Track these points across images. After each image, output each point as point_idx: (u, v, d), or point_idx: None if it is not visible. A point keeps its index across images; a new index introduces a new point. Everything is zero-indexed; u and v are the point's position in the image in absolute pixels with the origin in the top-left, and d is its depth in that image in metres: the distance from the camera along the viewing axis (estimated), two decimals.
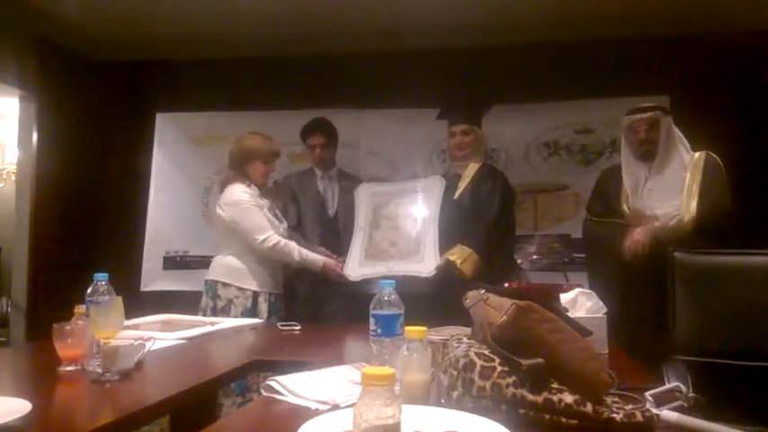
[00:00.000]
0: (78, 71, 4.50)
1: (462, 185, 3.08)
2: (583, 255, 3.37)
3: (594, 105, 3.90)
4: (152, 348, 1.73)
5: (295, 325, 2.47)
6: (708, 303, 1.98)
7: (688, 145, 2.73)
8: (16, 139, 4.30)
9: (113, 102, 4.66)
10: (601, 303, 1.83)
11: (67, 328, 1.58)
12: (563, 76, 4.06)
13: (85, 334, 1.57)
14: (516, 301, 1.10)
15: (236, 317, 2.80)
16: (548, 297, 1.58)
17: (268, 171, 3.07)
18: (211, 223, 3.77)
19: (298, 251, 2.98)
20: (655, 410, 1.09)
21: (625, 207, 2.76)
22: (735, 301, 1.96)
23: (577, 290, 1.86)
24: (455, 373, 1.13)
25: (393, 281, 1.48)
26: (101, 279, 1.71)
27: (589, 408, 1.01)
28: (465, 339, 1.27)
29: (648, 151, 2.71)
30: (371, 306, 1.44)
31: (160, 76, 4.61)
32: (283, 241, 2.95)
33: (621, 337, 1.93)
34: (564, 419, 1.02)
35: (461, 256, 2.88)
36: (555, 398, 1.02)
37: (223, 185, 3.03)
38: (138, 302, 2.77)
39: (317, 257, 3.06)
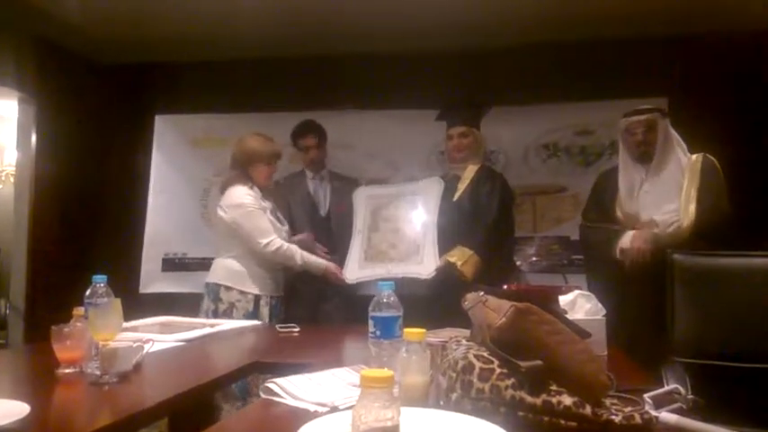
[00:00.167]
0: (78, 73, 4.50)
1: (461, 187, 3.08)
2: (582, 257, 3.38)
3: (594, 107, 3.90)
4: (151, 350, 1.73)
5: (294, 327, 2.47)
6: (706, 305, 1.98)
7: (685, 147, 2.73)
8: (15, 141, 4.30)
9: (113, 103, 4.66)
10: (600, 305, 1.83)
11: (66, 330, 1.58)
12: (562, 78, 4.06)
13: (84, 336, 1.57)
14: (515, 303, 1.09)
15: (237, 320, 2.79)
16: (546, 299, 1.58)
17: (271, 172, 3.06)
18: (210, 225, 3.77)
19: (300, 255, 2.98)
20: (653, 412, 1.09)
21: (618, 211, 2.76)
22: (733, 303, 1.96)
23: (576, 292, 1.85)
24: (454, 375, 1.13)
25: (392, 283, 1.48)
26: (99, 281, 1.71)
27: (588, 410, 1.01)
28: (464, 341, 1.27)
29: (645, 153, 2.71)
30: (370, 308, 1.44)
31: (160, 77, 4.62)
32: (286, 245, 2.95)
33: (620, 339, 1.93)
34: (563, 421, 1.02)
35: (462, 257, 2.88)
36: (554, 400, 1.02)
37: (225, 187, 3.00)
38: (136, 304, 2.76)
39: (319, 261, 3.06)
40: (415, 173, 3.80)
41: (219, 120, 4.22)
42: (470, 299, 1.29)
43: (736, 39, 3.91)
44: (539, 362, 1.04)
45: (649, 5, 3.66)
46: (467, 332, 1.45)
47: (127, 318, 1.68)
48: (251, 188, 2.96)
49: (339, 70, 4.34)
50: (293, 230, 3.23)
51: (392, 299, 1.44)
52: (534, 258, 3.90)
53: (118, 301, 1.60)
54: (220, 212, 2.95)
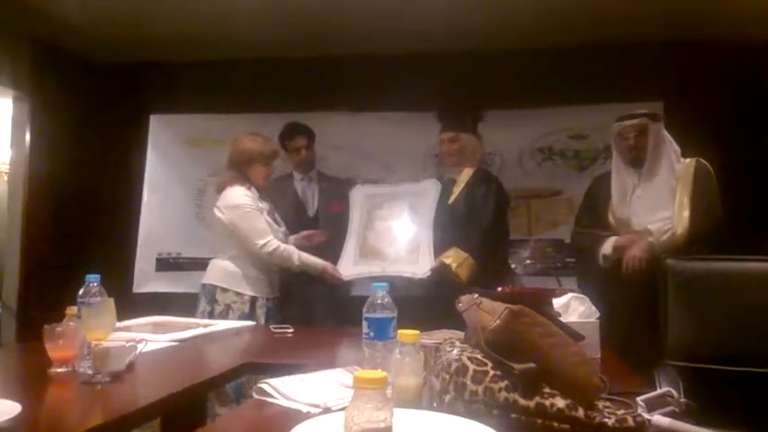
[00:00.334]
0: (73, 72, 4.49)
1: (457, 190, 3.08)
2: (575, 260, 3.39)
3: (589, 111, 3.91)
4: (144, 350, 1.72)
5: (288, 328, 2.46)
6: (700, 309, 1.98)
7: (679, 152, 2.74)
8: (9, 139, 4.28)
9: (108, 103, 4.65)
10: (593, 308, 1.83)
11: (59, 329, 1.57)
12: (558, 82, 4.07)
13: (77, 335, 1.56)
14: (509, 306, 1.10)
15: None
16: (540, 301, 1.58)
17: (269, 173, 3.04)
18: (205, 225, 3.76)
19: (297, 255, 2.96)
20: (646, 415, 1.09)
21: (611, 217, 2.77)
22: (727, 307, 1.96)
23: (570, 294, 1.85)
24: (447, 376, 1.13)
25: (386, 284, 1.48)
26: (93, 280, 1.71)
27: (581, 412, 1.01)
28: (458, 343, 1.27)
29: (637, 157, 2.72)
30: (364, 309, 1.44)
31: (156, 77, 4.61)
32: (283, 246, 2.93)
33: (614, 341, 1.94)
34: (556, 424, 1.02)
35: (457, 259, 2.88)
36: (547, 402, 1.02)
37: (222, 187, 2.97)
38: (130, 304, 2.75)
39: (316, 261, 3.04)
40: (411, 174, 3.80)
41: (215, 120, 4.22)
42: (464, 301, 1.29)
43: (732, 44, 3.92)
44: (532, 364, 1.04)
45: (646, 10, 3.68)
46: (461, 334, 1.45)
47: (120, 317, 1.67)
48: (248, 189, 2.94)
49: (335, 72, 4.33)
50: None
51: (386, 300, 1.44)
52: (529, 261, 3.91)
53: (111, 301, 1.60)
54: (217, 213, 2.93)
